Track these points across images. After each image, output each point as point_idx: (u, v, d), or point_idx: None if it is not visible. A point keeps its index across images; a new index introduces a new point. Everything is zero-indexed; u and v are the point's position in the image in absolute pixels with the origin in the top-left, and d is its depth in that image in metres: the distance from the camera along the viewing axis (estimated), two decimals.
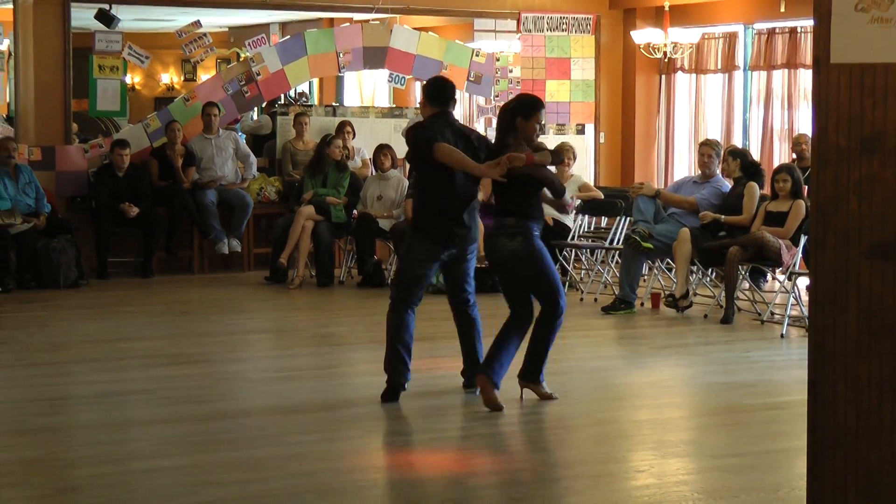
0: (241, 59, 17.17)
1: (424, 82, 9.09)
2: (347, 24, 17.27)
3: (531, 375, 8.76)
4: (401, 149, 14.32)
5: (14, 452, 7.44)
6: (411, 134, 8.76)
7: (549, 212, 14.16)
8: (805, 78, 15.60)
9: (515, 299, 8.71)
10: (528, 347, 8.74)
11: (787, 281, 12.24)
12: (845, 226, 5.12)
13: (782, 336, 11.47)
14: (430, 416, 8.44)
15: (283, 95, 18.16)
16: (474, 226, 8.82)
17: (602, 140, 17.93)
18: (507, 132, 8.70)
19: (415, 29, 17.26)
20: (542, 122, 8.81)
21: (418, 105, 16.71)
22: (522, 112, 8.70)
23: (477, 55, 17.07)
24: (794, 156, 14.55)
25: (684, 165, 17.60)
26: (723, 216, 12.66)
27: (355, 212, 14.84)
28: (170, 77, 26.06)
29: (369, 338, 10.69)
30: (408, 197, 14.19)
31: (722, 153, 13.16)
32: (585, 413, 8.68)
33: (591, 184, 15.61)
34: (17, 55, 15.38)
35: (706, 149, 13.21)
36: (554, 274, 8.67)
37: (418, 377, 9.06)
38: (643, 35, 16.72)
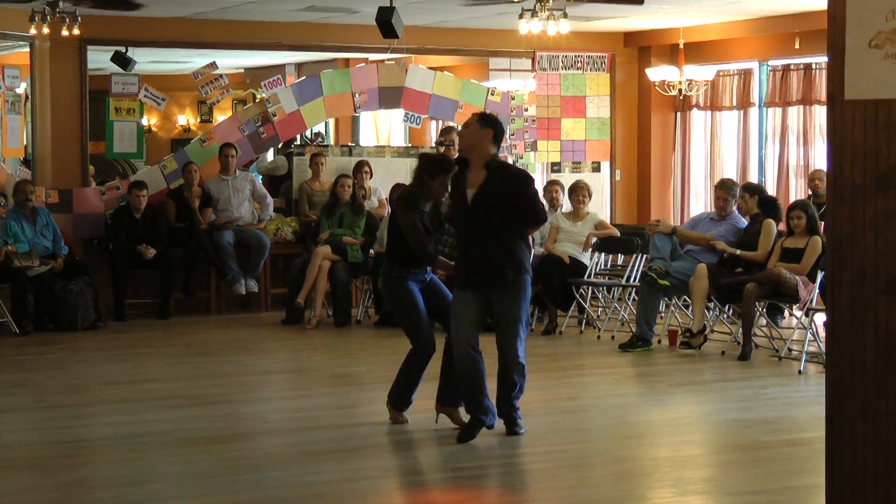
0: (257, 100, 17.22)
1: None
2: (363, 64, 17.31)
3: (456, 400, 9.00)
4: None
5: (33, 495, 7.44)
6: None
7: (565, 249, 14.19)
8: (820, 114, 15.61)
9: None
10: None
11: (804, 317, 12.22)
12: (861, 262, 5.12)
13: (800, 372, 11.44)
14: (447, 454, 8.42)
15: (299, 136, 18.22)
16: None
17: (618, 178, 17.94)
18: (417, 198, 8.97)
19: (430, 68, 17.31)
20: (448, 186, 8.92)
21: (434, 145, 16.75)
22: (428, 171, 8.94)
23: (492, 94, 17.11)
24: (810, 192, 14.54)
25: (700, 202, 17.61)
26: (739, 250, 12.64)
27: (372, 251, 14.85)
28: (186, 118, 26.15)
29: (387, 377, 10.64)
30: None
31: (738, 192, 13.16)
32: (604, 451, 8.66)
33: (608, 221, 15.61)
34: (34, 98, 15.45)
35: (721, 192, 13.22)
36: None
37: (432, 416, 9.06)
38: (658, 73, 16.75)
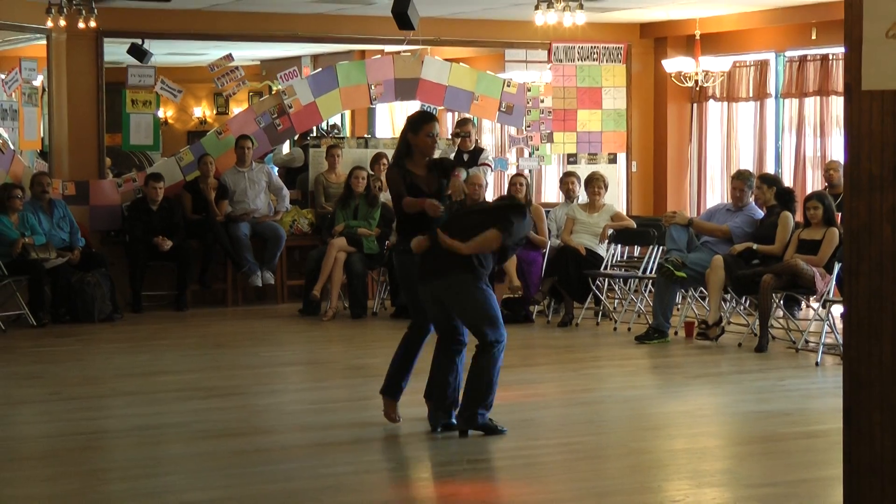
0: (273, 92, 17.23)
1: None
2: (379, 56, 17.31)
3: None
4: None
5: (50, 486, 7.46)
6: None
7: (582, 241, 14.18)
8: (837, 105, 15.57)
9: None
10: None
11: (821, 309, 12.19)
12: (879, 253, 5.10)
13: (817, 364, 11.42)
14: (464, 446, 8.41)
15: (315, 128, 18.21)
16: None
17: (634, 169, 17.92)
18: (402, 156, 8.79)
19: (446, 60, 17.29)
20: (435, 133, 8.76)
21: (450, 136, 16.77)
22: (411, 128, 8.76)
23: (508, 85, 17.08)
24: (826, 183, 14.51)
25: (717, 194, 17.58)
26: (755, 244, 12.61)
27: (388, 243, 14.85)
28: (202, 111, 26.17)
29: None
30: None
31: (754, 182, 13.13)
32: (620, 443, 8.65)
33: (624, 213, 15.58)
34: (50, 90, 15.47)
35: (737, 182, 13.18)
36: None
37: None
38: (674, 64, 16.72)
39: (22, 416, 9.69)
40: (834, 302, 11.75)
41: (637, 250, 15.20)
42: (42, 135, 16.56)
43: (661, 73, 17.52)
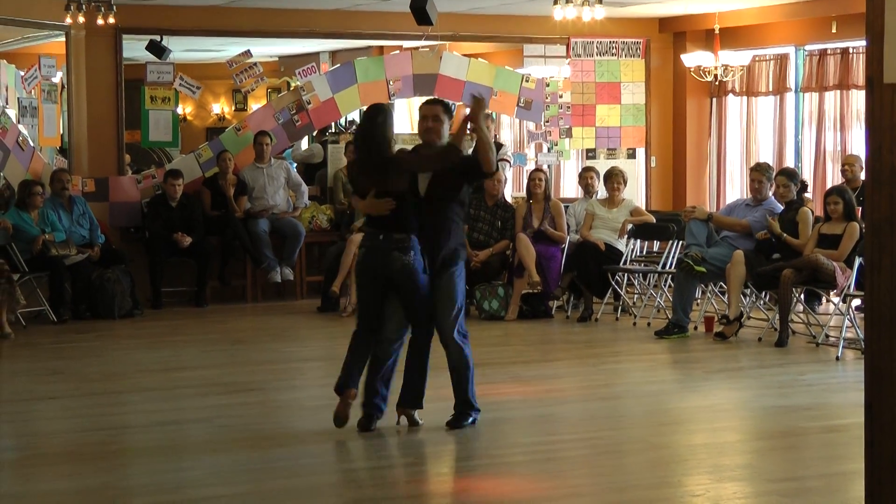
0: (291, 88, 17.23)
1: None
2: (397, 51, 17.31)
3: (415, 402, 8.68)
4: None
5: (71, 482, 7.48)
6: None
7: (601, 236, 14.17)
8: (857, 99, 15.52)
9: (378, 314, 8.63)
10: (410, 374, 8.64)
11: (841, 303, 12.15)
12: None
13: (837, 359, 11.39)
14: (485, 441, 8.41)
15: (333, 124, 18.22)
16: None
17: (653, 164, 17.89)
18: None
19: (464, 56, 17.29)
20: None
21: (469, 131, 16.73)
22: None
23: (527, 81, 17.07)
24: (844, 179, 14.47)
25: (736, 188, 17.54)
26: (785, 234, 12.52)
27: None
28: (221, 107, 26.20)
29: None
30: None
31: (773, 175, 13.10)
32: (640, 438, 8.64)
33: (643, 208, 15.56)
34: (69, 87, 15.51)
35: (756, 174, 13.15)
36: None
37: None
38: (693, 58, 16.68)
39: (43, 411, 9.71)
40: (854, 296, 11.72)
41: (656, 245, 15.18)
42: (61, 132, 16.60)
43: (680, 68, 17.48)
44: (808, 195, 13.65)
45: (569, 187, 18.90)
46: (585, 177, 15.05)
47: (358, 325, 8.74)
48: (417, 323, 8.58)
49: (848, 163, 14.30)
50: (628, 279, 14.69)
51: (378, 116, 8.61)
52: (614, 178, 14.55)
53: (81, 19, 14.53)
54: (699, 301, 13.73)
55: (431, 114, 8.60)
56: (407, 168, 8.55)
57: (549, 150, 17.28)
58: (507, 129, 20.26)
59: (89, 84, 15.51)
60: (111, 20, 14.55)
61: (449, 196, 8.54)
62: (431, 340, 8.63)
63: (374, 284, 8.57)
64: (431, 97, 9.60)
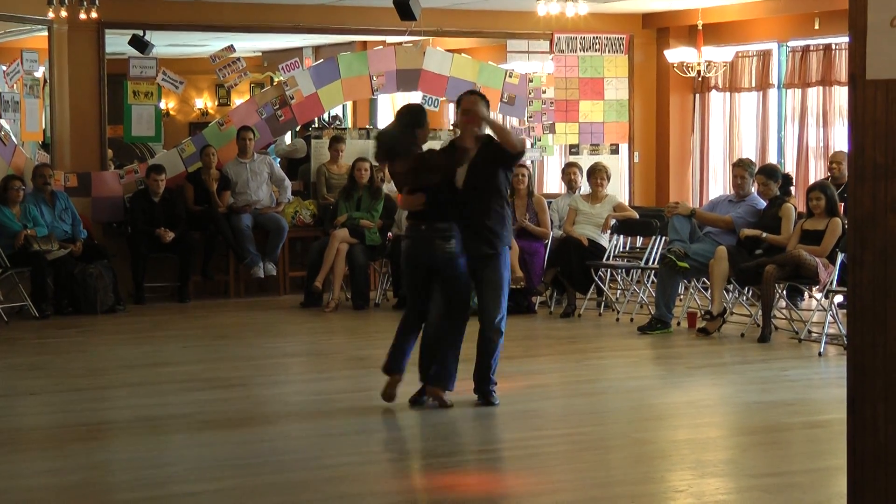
0: (274, 84, 17.21)
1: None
2: (381, 46, 17.30)
3: (446, 383, 9.07)
4: None
5: (53, 478, 7.46)
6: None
7: (584, 232, 14.18)
8: (840, 95, 15.55)
9: (425, 299, 9.09)
10: (443, 356, 9.02)
11: (824, 299, 12.18)
12: (883, 243, 5.09)
13: (820, 354, 11.41)
14: (467, 437, 8.42)
15: (316, 119, 18.21)
16: None
17: (636, 160, 17.91)
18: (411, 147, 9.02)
19: (448, 51, 17.28)
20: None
21: (452, 126, 16.75)
22: (416, 124, 9.06)
23: (510, 76, 17.08)
24: (829, 175, 14.50)
25: (719, 184, 17.56)
26: (765, 233, 12.56)
27: (390, 234, 14.85)
28: (204, 102, 26.17)
29: None
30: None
31: (755, 171, 13.11)
32: (623, 433, 8.65)
33: (626, 203, 15.57)
34: (52, 82, 15.47)
35: (739, 170, 13.17)
36: None
37: (457, 399, 9.07)
38: (677, 54, 16.70)
39: (25, 407, 9.70)
40: (837, 292, 11.74)
41: (640, 241, 15.21)
42: (44, 126, 16.56)
43: (663, 64, 17.50)
44: (793, 188, 13.65)
45: (552, 183, 18.91)
46: (568, 172, 15.07)
47: (406, 310, 9.31)
48: (455, 307, 8.98)
49: (836, 160, 14.29)
50: (611, 275, 14.70)
51: (404, 118, 9.10)
52: (597, 174, 14.56)
53: (64, 14, 14.48)
54: (682, 297, 13.74)
55: (472, 105, 8.97)
56: (433, 166, 8.93)
57: (532, 145, 17.28)
58: None
59: (72, 79, 15.47)
60: (94, 15, 14.49)
61: (485, 185, 8.94)
62: (466, 325, 9.09)
63: (418, 272, 9.06)
64: (469, 89, 10.01)
